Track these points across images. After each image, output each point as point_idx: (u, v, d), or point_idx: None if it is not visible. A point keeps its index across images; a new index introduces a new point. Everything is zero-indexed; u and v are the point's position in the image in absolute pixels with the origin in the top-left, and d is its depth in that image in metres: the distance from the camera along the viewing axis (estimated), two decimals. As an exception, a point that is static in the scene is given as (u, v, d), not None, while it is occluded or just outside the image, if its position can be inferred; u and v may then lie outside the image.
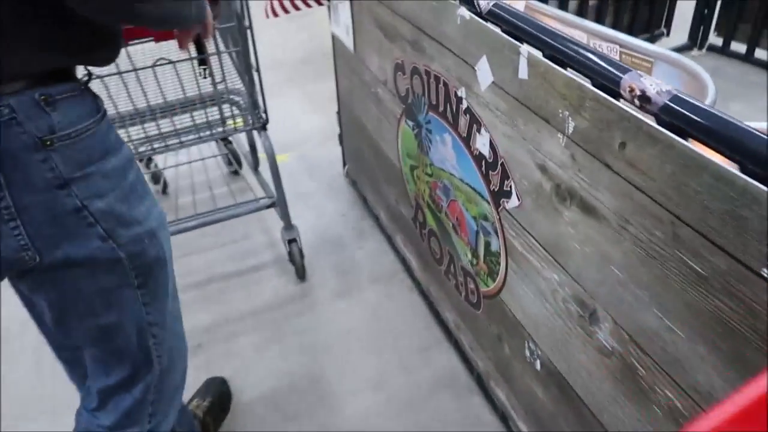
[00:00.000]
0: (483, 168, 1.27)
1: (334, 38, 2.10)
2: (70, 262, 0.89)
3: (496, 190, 1.24)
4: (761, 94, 3.03)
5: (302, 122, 2.96)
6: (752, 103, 2.89)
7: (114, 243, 0.91)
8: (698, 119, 0.74)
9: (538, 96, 1.01)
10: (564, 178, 1.00)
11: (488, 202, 1.29)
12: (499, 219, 1.26)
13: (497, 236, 1.29)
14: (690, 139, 0.76)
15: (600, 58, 0.88)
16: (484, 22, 1.13)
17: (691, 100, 0.75)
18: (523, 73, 1.03)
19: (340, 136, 2.44)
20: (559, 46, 0.95)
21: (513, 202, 1.18)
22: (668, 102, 0.77)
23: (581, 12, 3.17)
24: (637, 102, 0.81)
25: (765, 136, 0.66)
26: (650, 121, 0.79)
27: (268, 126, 1.82)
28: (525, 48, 1.01)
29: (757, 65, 3.31)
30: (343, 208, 2.36)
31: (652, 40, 3.54)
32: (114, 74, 1.54)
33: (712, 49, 3.53)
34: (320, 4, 2.00)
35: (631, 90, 0.82)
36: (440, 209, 1.58)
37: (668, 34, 3.58)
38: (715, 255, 0.74)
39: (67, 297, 0.94)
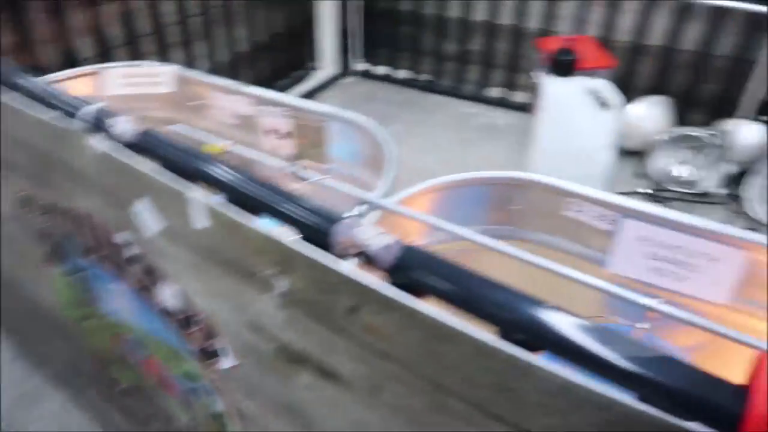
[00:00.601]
0: (176, 324, 1.00)
1: None
2: None
3: (200, 349, 0.98)
4: (409, 110, 3.38)
5: None
6: (406, 122, 3.22)
7: None
8: (439, 277, 0.61)
9: (230, 248, 0.79)
10: (287, 340, 0.80)
11: (195, 361, 1.02)
12: (216, 379, 1.00)
13: (217, 397, 1.04)
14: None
15: (301, 203, 0.71)
16: (130, 156, 0.86)
17: (425, 253, 0.63)
18: (201, 222, 0.79)
19: (-31, 274, 1.85)
20: (244, 189, 0.75)
21: (227, 363, 0.94)
22: (397, 259, 0.63)
23: (234, 65, 3.04)
24: (357, 260, 0.65)
25: (526, 298, 0.56)
26: (380, 282, 0.64)
27: None
28: (196, 192, 0.78)
29: (398, 84, 3.75)
30: (-1, 368, 1.79)
31: (305, 75, 3.65)
32: None
33: (360, 74, 3.83)
34: None
35: (348, 245, 0.66)
36: (135, 366, 1.24)
37: (319, 66, 3.73)
38: (494, 425, 0.63)
39: None
